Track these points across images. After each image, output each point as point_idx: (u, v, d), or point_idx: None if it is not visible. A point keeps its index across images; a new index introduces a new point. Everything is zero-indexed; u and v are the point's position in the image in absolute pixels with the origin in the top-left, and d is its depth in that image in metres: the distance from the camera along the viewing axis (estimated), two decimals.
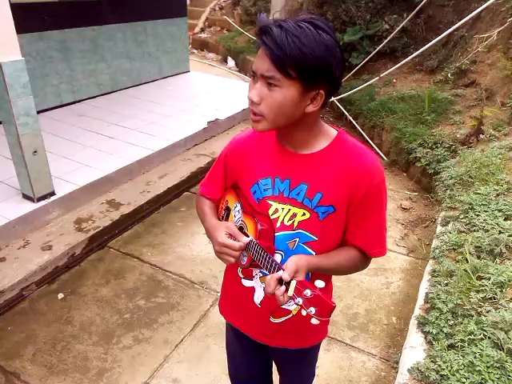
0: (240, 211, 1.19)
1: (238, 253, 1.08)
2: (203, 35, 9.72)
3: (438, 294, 2.08)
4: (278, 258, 1.14)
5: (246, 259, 1.14)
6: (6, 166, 3.50)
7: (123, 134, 4.51)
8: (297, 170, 1.09)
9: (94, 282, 2.87)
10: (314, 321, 0.91)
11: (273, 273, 1.00)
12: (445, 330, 1.88)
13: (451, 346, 1.80)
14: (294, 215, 1.10)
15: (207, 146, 4.79)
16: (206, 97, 5.98)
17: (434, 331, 1.90)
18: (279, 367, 1.52)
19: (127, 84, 6.00)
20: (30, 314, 2.61)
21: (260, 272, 1.20)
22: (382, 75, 4.81)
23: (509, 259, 2.24)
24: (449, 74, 4.88)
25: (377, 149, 4.85)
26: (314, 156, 1.08)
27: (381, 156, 4.76)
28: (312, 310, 0.90)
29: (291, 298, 0.94)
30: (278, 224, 1.12)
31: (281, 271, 0.97)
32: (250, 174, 1.17)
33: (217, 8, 9.99)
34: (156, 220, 3.59)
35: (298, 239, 1.12)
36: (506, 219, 2.58)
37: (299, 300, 0.92)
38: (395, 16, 6.03)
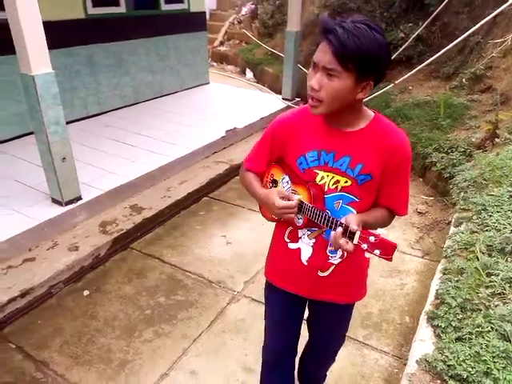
0: (289, 182, 1.40)
1: (296, 209, 1.28)
2: (222, 48, 9.99)
3: (448, 290, 2.13)
4: None
5: (301, 221, 1.36)
6: (37, 173, 3.73)
7: (145, 143, 4.71)
8: (341, 145, 1.28)
9: (117, 281, 3.02)
10: (377, 258, 1.12)
11: (331, 227, 1.22)
12: (453, 323, 1.93)
13: (459, 339, 1.84)
14: (337, 181, 1.30)
15: (226, 154, 4.94)
16: (224, 107, 6.17)
17: (443, 325, 1.94)
18: (319, 325, 1.68)
19: (149, 96, 6.26)
20: (57, 309, 2.77)
21: (308, 231, 1.39)
22: (397, 82, 4.88)
23: None
24: (463, 80, 4.90)
25: None
26: (356, 133, 1.27)
27: None
28: (377, 251, 1.11)
29: (357, 245, 1.13)
30: (326, 188, 1.32)
31: (340, 228, 1.17)
32: (296, 148, 1.35)
33: (235, 22, 10.27)
34: (176, 223, 3.73)
35: (341, 200, 1.32)
36: None
37: (364, 245, 1.12)
38: (410, 24, 6.09)
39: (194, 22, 6.76)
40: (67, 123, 3.31)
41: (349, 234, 1.15)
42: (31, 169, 3.95)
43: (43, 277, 2.88)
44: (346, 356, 2.42)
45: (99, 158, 4.28)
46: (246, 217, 3.76)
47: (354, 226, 1.14)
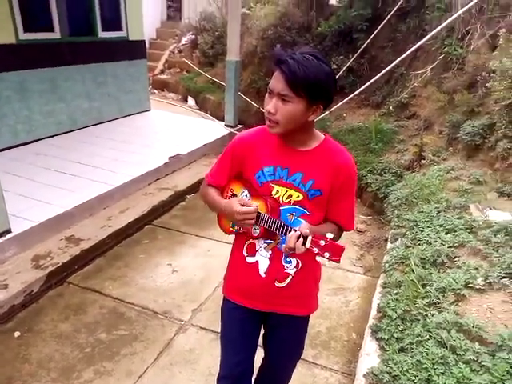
0: (248, 195, 1.51)
1: (255, 215, 1.39)
2: (163, 76, 9.98)
3: (388, 303, 2.23)
4: None
5: (258, 231, 1.46)
6: None
7: (83, 171, 4.51)
8: (294, 162, 1.42)
9: (52, 319, 2.80)
10: (326, 263, 1.21)
11: (286, 234, 1.32)
12: (395, 334, 2.01)
13: (401, 349, 1.93)
14: (290, 196, 1.43)
15: (169, 180, 4.87)
16: (167, 133, 6.12)
17: (386, 337, 2.02)
18: (276, 340, 1.72)
19: (87, 123, 6.04)
20: None
21: (264, 243, 1.50)
22: (332, 109, 5.17)
23: (450, 267, 2.44)
24: (391, 107, 5.33)
25: None
26: (308, 152, 1.41)
27: None
28: (326, 254, 1.22)
29: (308, 248, 1.24)
30: (280, 201, 1.44)
31: (297, 231, 1.27)
32: (255, 163, 1.47)
33: (176, 51, 10.35)
34: (118, 253, 3.57)
35: (294, 213, 1.44)
36: (446, 233, 2.81)
37: (315, 249, 1.23)
38: (342, 57, 6.54)
39: (133, 50, 6.71)
40: None
41: (303, 239, 1.25)
42: None
43: None
44: (296, 377, 2.40)
45: (31, 188, 4.02)
46: (192, 243, 3.69)
47: (305, 230, 1.26)
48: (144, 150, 5.31)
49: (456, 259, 2.49)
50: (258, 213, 1.41)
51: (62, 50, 5.46)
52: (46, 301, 2.98)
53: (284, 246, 1.33)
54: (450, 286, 2.19)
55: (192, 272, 3.33)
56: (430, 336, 1.89)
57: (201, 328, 2.76)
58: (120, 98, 6.56)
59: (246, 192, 1.52)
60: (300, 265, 1.51)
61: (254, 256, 1.53)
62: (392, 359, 1.86)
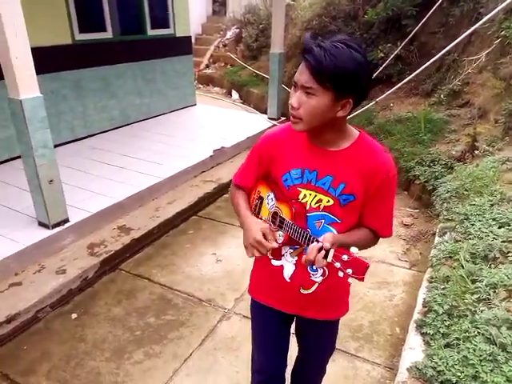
0: (273, 199, 1.41)
1: (266, 251, 1.30)
2: (208, 71, 10.18)
3: (435, 298, 2.17)
4: None
5: (282, 238, 1.37)
6: (23, 197, 3.71)
7: (134, 164, 4.74)
8: (324, 164, 1.29)
9: (106, 302, 2.99)
10: (349, 280, 1.12)
11: (309, 244, 1.21)
12: (441, 330, 1.96)
13: (447, 345, 1.87)
14: (320, 200, 1.31)
15: (214, 173, 4.99)
16: (211, 127, 6.25)
17: (431, 332, 1.97)
18: (306, 339, 1.68)
19: (137, 118, 6.32)
20: (44, 333, 2.72)
21: (290, 249, 1.41)
22: (378, 99, 5.03)
23: (502, 263, 2.32)
24: (442, 96, 5.08)
25: None
26: (339, 153, 1.28)
27: None
28: (349, 270, 1.10)
29: (330, 262, 1.13)
30: (307, 206, 1.33)
31: (320, 243, 1.17)
32: (282, 164, 1.36)
33: (220, 45, 10.49)
34: (165, 243, 3.73)
35: (323, 220, 1.32)
36: (500, 227, 2.67)
37: (337, 264, 1.12)
38: (389, 45, 6.30)
39: (180, 47, 6.90)
40: (54, 147, 3.32)
41: (324, 252, 1.15)
42: (18, 193, 3.93)
43: (30, 301, 2.83)
44: (338, 369, 2.42)
45: (87, 181, 4.28)
46: (235, 234, 3.78)
47: (326, 244, 1.15)
48: (190, 144, 5.46)
49: (509, 254, 2.35)
50: (283, 219, 1.33)
51: (113, 49, 5.73)
52: (100, 286, 3.18)
53: (304, 257, 1.22)
54: (501, 281, 2.09)
55: (235, 262, 3.41)
56: (478, 332, 1.82)
57: (243, 316, 2.83)
58: (168, 93, 6.78)
59: (273, 195, 1.42)
60: (327, 273, 1.41)
61: (280, 260, 1.46)
62: (437, 354, 1.81)
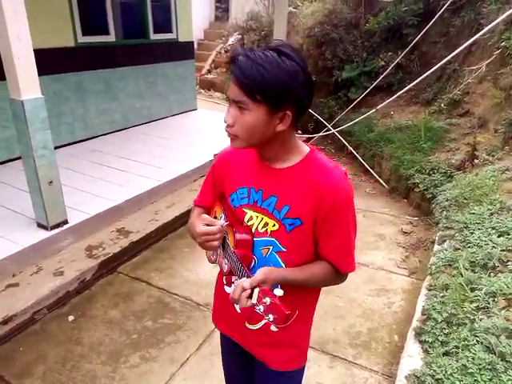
0: (225, 221, 1.27)
1: (219, 235, 1.14)
2: (210, 76, 10.23)
3: (434, 306, 2.16)
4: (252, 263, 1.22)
5: (226, 266, 1.23)
6: (22, 198, 3.70)
7: (133, 167, 4.73)
8: (269, 183, 1.16)
9: (103, 305, 2.97)
10: (272, 328, 0.98)
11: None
12: (440, 338, 1.95)
13: (446, 353, 1.86)
14: (266, 224, 1.16)
15: None
16: (212, 132, 6.26)
17: (430, 340, 1.96)
18: (254, 378, 1.47)
19: (138, 121, 6.33)
20: (41, 335, 2.70)
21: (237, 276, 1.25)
22: (378, 107, 5.05)
23: (502, 272, 2.32)
24: (442, 105, 5.11)
25: (377, 177, 5.01)
26: (285, 171, 1.14)
27: (381, 183, 4.90)
28: (270, 316, 0.95)
29: (254, 305, 0.98)
30: (253, 230, 1.18)
31: (244, 279, 1.02)
32: (231, 183, 1.26)
33: (222, 51, 10.56)
34: (164, 246, 3.72)
35: (271, 247, 1.17)
36: (499, 236, 2.67)
37: (260, 307, 0.96)
38: (390, 53, 6.35)
39: (182, 51, 6.93)
40: (54, 148, 3.32)
41: (250, 291, 1.00)
42: (17, 194, 3.92)
43: (26, 302, 2.81)
44: (336, 376, 2.41)
45: (86, 183, 4.27)
46: None
47: (245, 282, 1.00)
48: (190, 148, 5.47)
49: (509, 263, 2.35)
50: (227, 245, 1.18)
51: (116, 52, 5.76)
52: (97, 288, 3.16)
53: (230, 294, 1.06)
54: (500, 290, 2.08)
55: None
56: (477, 341, 1.82)
57: None
58: (169, 97, 6.80)
59: (224, 217, 1.30)
60: None
61: (230, 287, 1.31)
62: (436, 362, 1.80)
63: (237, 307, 1.28)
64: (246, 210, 1.20)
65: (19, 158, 3.37)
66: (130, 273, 3.34)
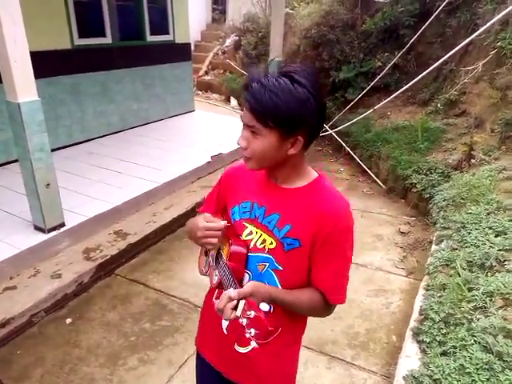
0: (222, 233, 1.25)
1: (220, 233, 1.14)
2: (207, 78, 10.23)
3: (431, 306, 2.16)
4: (246, 278, 1.20)
5: (216, 278, 1.21)
6: (19, 201, 3.69)
7: (131, 169, 4.73)
8: (273, 200, 1.18)
9: (101, 307, 2.97)
10: (252, 343, 0.94)
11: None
12: (438, 338, 1.95)
13: (444, 353, 1.86)
14: (265, 241, 1.17)
15: (211, 179, 4.98)
16: (210, 133, 6.26)
17: (428, 340, 1.97)
18: None
19: (135, 123, 6.33)
20: (38, 338, 2.69)
21: None
22: (376, 107, 5.06)
23: (499, 271, 2.32)
24: (438, 105, 5.12)
25: (375, 177, 5.01)
26: (291, 191, 1.17)
27: (378, 184, 4.91)
28: (252, 331, 0.92)
29: (238, 317, 0.95)
30: (251, 245, 1.19)
31: (234, 290, 1.00)
32: (234, 197, 1.28)
33: (219, 53, 10.56)
34: (162, 248, 3.71)
35: (267, 264, 1.17)
36: (496, 236, 2.68)
37: (243, 320, 0.93)
38: (387, 54, 6.36)
39: (179, 53, 6.93)
40: (52, 151, 3.32)
41: (236, 302, 0.98)
42: (14, 197, 3.91)
43: (24, 305, 2.80)
44: (334, 377, 2.41)
45: (84, 185, 4.27)
46: None
47: (233, 292, 0.98)
48: (188, 150, 5.47)
49: (506, 263, 2.36)
50: (220, 256, 1.17)
51: (112, 54, 5.76)
52: (95, 291, 3.15)
53: (216, 304, 1.02)
54: (498, 290, 2.09)
55: None
56: (474, 341, 1.82)
57: None
58: (166, 99, 6.80)
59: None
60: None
61: None
62: (433, 362, 1.80)
63: (223, 327, 1.26)
64: (246, 225, 1.21)
65: (16, 161, 3.36)
66: (127, 275, 3.33)
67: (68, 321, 2.83)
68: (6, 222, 3.54)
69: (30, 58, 2.92)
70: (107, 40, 5.66)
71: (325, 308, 1.19)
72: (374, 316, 2.91)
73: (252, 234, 1.19)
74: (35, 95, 3.04)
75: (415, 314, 2.31)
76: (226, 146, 5.59)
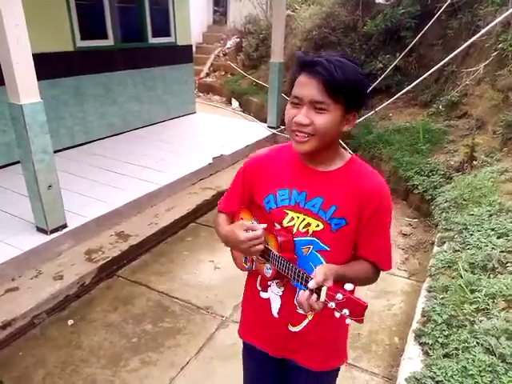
0: None
1: (262, 239, 1.17)
2: (208, 79, 10.24)
3: (433, 308, 2.16)
4: None
5: (270, 271, 1.23)
6: (22, 202, 3.69)
7: (133, 171, 4.73)
8: (314, 184, 1.20)
9: (102, 309, 2.97)
10: (347, 321, 0.98)
11: (300, 281, 1.10)
12: (440, 340, 1.95)
13: (446, 355, 1.86)
14: (308, 224, 1.20)
15: (213, 180, 4.99)
16: (211, 135, 6.27)
17: (430, 341, 1.96)
18: None
19: (137, 125, 6.34)
20: (40, 339, 2.69)
21: (275, 278, 1.26)
22: (377, 109, 5.06)
23: (501, 273, 2.32)
24: (440, 106, 5.13)
25: None
26: (330, 174, 1.20)
27: None
28: (346, 311, 0.96)
29: (324, 303, 1.00)
30: (294, 230, 1.22)
31: (310, 282, 1.04)
32: (266, 186, 1.27)
33: (221, 54, 10.58)
34: (163, 250, 3.72)
35: (311, 246, 1.21)
36: (498, 237, 2.67)
37: (332, 304, 0.98)
38: (388, 56, 6.37)
39: (180, 55, 6.95)
40: (54, 152, 3.32)
41: (316, 290, 1.02)
42: (16, 198, 3.92)
43: (26, 307, 2.81)
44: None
45: (85, 187, 4.27)
46: None
47: (311, 283, 1.02)
48: (189, 151, 5.47)
49: (508, 265, 2.36)
50: (269, 250, 1.19)
51: (114, 56, 5.77)
52: (97, 292, 3.16)
53: (297, 300, 1.08)
54: (500, 291, 2.08)
55: (233, 269, 3.32)
56: (477, 343, 1.82)
57: None
58: (167, 101, 6.81)
59: (256, 223, 1.29)
60: None
61: (267, 292, 1.32)
62: (436, 364, 1.80)
63: (274, 312, 1.31)
64: (286, 211, 1.23)
65: (18, 163, 3.36)
66: (129, 276, 3.33)
67: (70, 322, 2.83)
68: (8, 223, 3.54)
69: (32, 59, 2.93)
70: (109, 42, 5.67)
71: (376, 276, 1.27)
72: (375, 318, 2.91)
73: (293, 220, 1.22)
74: (38, 97, 3.05)
75: (417, 316, 2.31)
76: (228, 148, 5.60)
